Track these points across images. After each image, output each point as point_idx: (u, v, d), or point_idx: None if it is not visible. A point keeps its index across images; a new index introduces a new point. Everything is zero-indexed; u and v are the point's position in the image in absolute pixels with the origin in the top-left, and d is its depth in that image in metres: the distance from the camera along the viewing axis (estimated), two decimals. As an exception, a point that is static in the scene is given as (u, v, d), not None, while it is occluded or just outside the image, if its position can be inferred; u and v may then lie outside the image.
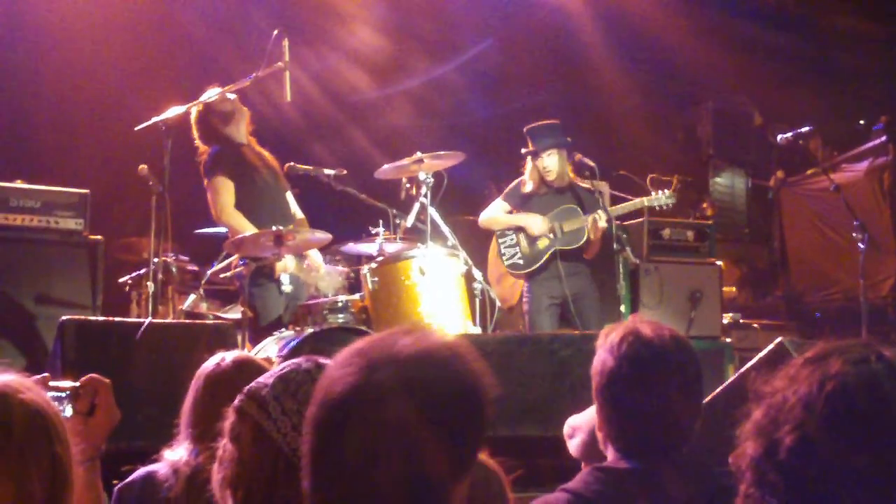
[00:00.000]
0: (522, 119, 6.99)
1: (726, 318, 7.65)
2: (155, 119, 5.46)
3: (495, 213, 6.69)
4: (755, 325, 8.31)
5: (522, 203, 6.61)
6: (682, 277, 7.19)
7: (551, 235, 6.46)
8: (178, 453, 2.57)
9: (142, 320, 4.88)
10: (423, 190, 5.99)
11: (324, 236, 5.53)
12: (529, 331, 6.40)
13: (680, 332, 2.31)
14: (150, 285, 5.44)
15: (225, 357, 2.68)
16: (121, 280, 6.75)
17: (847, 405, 1.37)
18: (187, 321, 6.03)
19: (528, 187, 6.58)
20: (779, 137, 6.74)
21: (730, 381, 4.16)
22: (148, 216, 5.48)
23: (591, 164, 6.37)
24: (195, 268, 6.98)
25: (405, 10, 9.35)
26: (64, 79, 8.02)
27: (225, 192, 5.70)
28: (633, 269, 6.89)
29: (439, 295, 5.65)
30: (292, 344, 4.99)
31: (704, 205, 9.77)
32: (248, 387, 1.78)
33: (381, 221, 6.07)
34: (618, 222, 6.48)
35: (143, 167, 5.52)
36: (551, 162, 6.49)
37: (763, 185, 10.39)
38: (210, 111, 5.81)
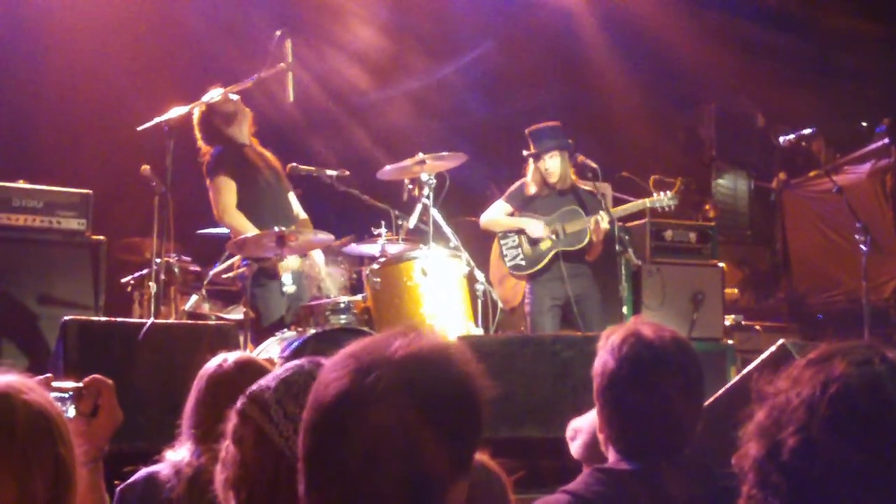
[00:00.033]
0: (524, 120, 6.99)
1: (728, 320, 7.64)
2: (157, 119, 5.46)
3: (496, 214, 6.69)
4: (757, 327, 8.31)
5: (524, 205, 6.62)
6: (684, 279, 7.19)
7: (553, 237, 6.46)
8: (180, 454, 2.57)
9: (144, 321, 4.88)
10: (426, 191, 5.99)
11: (326, 237, 5.54)
12: (531, 332, 6.40)
13: (682, 333, 2.31)
14: (153, 286, 5.45)
15: (227, 358, 2.68)
16: (123, 280, 6.75)
17: (850, 407, 1.37)
18: (189, 322, 6.04)
19: (531, 189, 6.59)
20: (781, 139, 6.73)
21: (732, 382, 4.16)
22: (150, 216, 5.49)
23: (594, 165, 6.37)
24: (197, 268, 6.98)
25: (406, 11, 9.35)
26: (66, 79, 8.03)
27: (227, 192, 5.70)
28: (635, 270, 6.90)
29: (441, 296, 5.65)
30: (294, 345, 4.99)
31: (707, 206, 9.77)
32: (250, 389, 1.77)
33: (383, 222, 6.07)
34: (620, 224, 6.48)
35: (145, 167, 5.53)
36: (553, 164, 6.49)
37: (765, 187, 10.39)
38: (212, 112, 5.81)
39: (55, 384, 2.10)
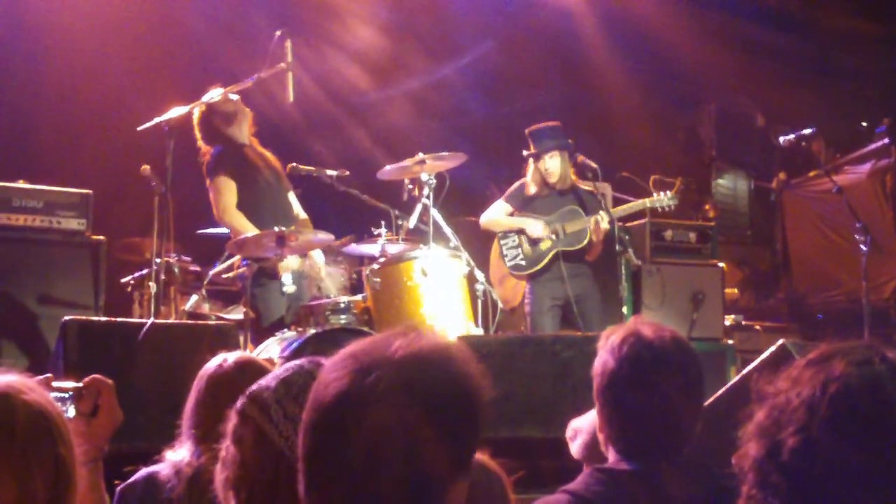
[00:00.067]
0: (524, 120, 6.99)
1: (728, 320, 7.64)
2: (157, 119, 5.46)
3: (496, 214, 6.69)
4: (757, 327, 8.31)
5: (524, 205, 6.62)
6: (684, 279, 7.19)
7: (553, 237, 6.46)
8: (180, 454, 2.57)
9: (144, 321, 4.88)
10: (426, 191, 5.99)
11: (326, 237, 5.54)
12: (531, 332, 6.40)
13: (682, 333, 2.31)
14: (153, 286, 5.45)
15: (227, 358, 2.68)
16: (123, 280, 6.76)
17: (850, 407, 1.37)
18: (189, 322, 6.04)
19: (531, 190, 6.59)
20: (781, 139, 6.72)
21: (732, 382, 4.16)
22: (150, 216, 5.48)
23: (594, 165, 6.37)
24: (197, 268, 6.98)
25: (406, 11, 9.36)
26: (66, 79, 8.03)
27: (227, 192, 5.70)
28: (635, 270, 6.89)
29: (441, 296, 5.65)
30: (294, 345, 4.99)
31: (707, 206, 9.77)
32: (250, 390, 1.77)
33: (383, 222, 6.07)
34: (620, 224, 6.48)
35: (145, 167, 5.53)
36: (553, 164, 6.49)
37: (765, 187, 10.39)
38: (212, 112, 5.81)
39: (55, 384, 2.11)
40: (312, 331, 5.15)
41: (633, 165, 8.50)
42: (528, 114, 7.91)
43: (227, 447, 1.77)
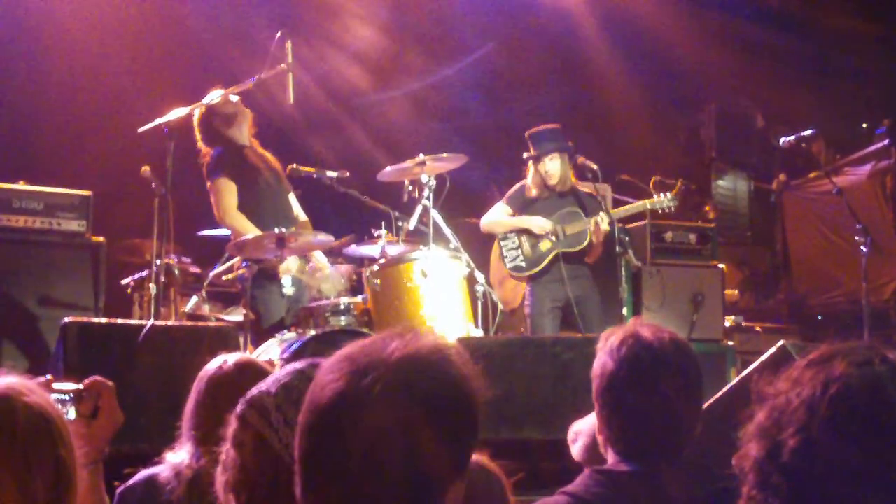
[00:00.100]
0: (525, 121, 6.99)
1: (728, 321, 7.64)
2: (158, 121, 5.47)
3: (497, 216, 6.69)
4: (757, 329, 8.31)
5: (524, 206, 6.62)
6: (684, 280, 7.19)
7: (554, 238, 6.46)
8: (179, 456, 2.56)
9: (144, 322, 4.88)
10: (426, 192, 5.99)
11: (326, 238, 5.54)
12: (531, 334, 6.40)
13: (682, 335, 2.31)
14: (153, 287, 5.45)
15: (227, 359, 2.67)
16: (123, 282, 6.76)
17: (850, 407, 1.37)
18: (189, 323, 6.03)
19: (532, 192, 6.59)
20: (781, 140, 6.73)
21: (732, 384, 4.16)
22: (150, 218, 5.49)
23: (594, 166, 6.37)
24: (197, 270, 6.98)
25: (407, 12, 9.36)
26: (67, 80, 8.04)
27: (227, 193, 5.70)
28: (635, 271, 6.89)
29: (441, 297, 5.65)
30: (294, 346, 4.99)
31: (707, 208, 9.77)
32: (250, 394, 1.77)
33: (383, 224, 6.06)
34: (620, 225, 6.48)
35: (145, 169, 5.53)
36: (553, 166, 6.49)
37: (765, 188, 10.38)
38: (212, 113, 5.81)
39: (56, 386, 2.11)
40: (312, 332, 5.15)
41: (633, 166, 8.50)
42: (528, 115, 7.92)
43: (227, 451, 1.77)
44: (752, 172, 10.64)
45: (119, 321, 5.28)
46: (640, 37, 9.88)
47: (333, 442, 1.32)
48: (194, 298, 6.54)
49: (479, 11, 9.58)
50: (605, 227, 6.29)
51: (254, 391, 1.78)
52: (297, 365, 1.79)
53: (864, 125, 10.14)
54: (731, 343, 7.31)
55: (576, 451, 2.61)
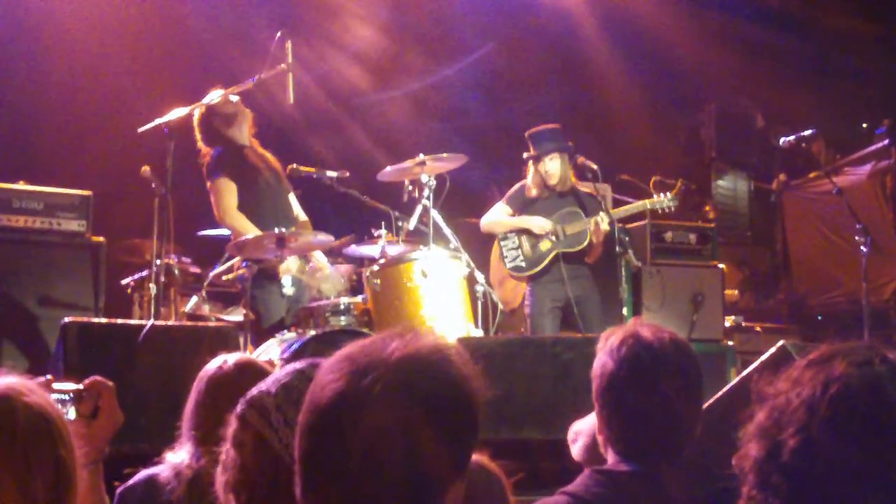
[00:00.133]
0: (525, 121, 7.00)
1: (728, 321, 7.64)
2: (158, 121, 5.47)
3: (497, 216, 6.70)
4: (757, 329, 8.30)
5: (525, 207, 6.62)
6: (684, 280, 7.19)
7: (554, 238, 6.47)
8: (179, 456, 2.56)
9: (144, 322, 4.88)
10: (426, 192, 5.99)
11: (326, 238, 5.54)
12: (531, 334, 6.40)
13: (682, 335, 2.31)
14: (153, 287, 5.45)
15: (227, 359, 2.67)
16: (123, 282, 6.76)
17: (850, 407, 1.37)
18: (189, 323, 6.03)
19: (532, 192, 6.59)
20: (781, 140, 6.72)
21: (732, 384, 4.16)
22: (150, 218, 5.49)
23: (594, 166, 6.37)
24: (197, 270, 6.98)
25: (407, 12, 9.36)
26: (67, 80, 8.04)
27: (228, 193, 5.71)
28: (635, 271, 6.89)
29: (441, 297, 5.65)
30: (294, 346, 4.99)
31: (707, 208, 9.77)
32: (250, 394, 1.77)
33: (383, 224, 6.07)
34: (620, 225, 6.48)
35: (145, 169, 5.53)
36: (553, 166, 6.50)
37: (765, 188, 10.38)
38: (212, 113, 5.82)
39: (56, 386, 2.11)
40: (312, 332, 5.15)
41: (634, 166, 8.50)
42: (528, 115, 7.92)
43: (227, 451, 1.77)
44: (752, 172, 10.64)
45: (119, 321, 5.28)
46: (640, 37, 9.88)
47: (333, 442, 1.32)
48: (194, 298, 6.54)
49: (479, 11, 9.58)
50: (605, 226, 6.29)
51: (254, 391, 1.77)
52: (297, 365, 1.79)
53: (864, 125, 10.14)
54: (731, 343, 7.31)
55: (576, 451, 2.61)
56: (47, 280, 5.81)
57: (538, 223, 6.48)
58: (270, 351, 5.15)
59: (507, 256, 6.58)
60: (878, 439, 1.35)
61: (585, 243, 6.43)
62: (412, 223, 6.09)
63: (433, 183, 6.02)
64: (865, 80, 10.31)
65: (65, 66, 8.00)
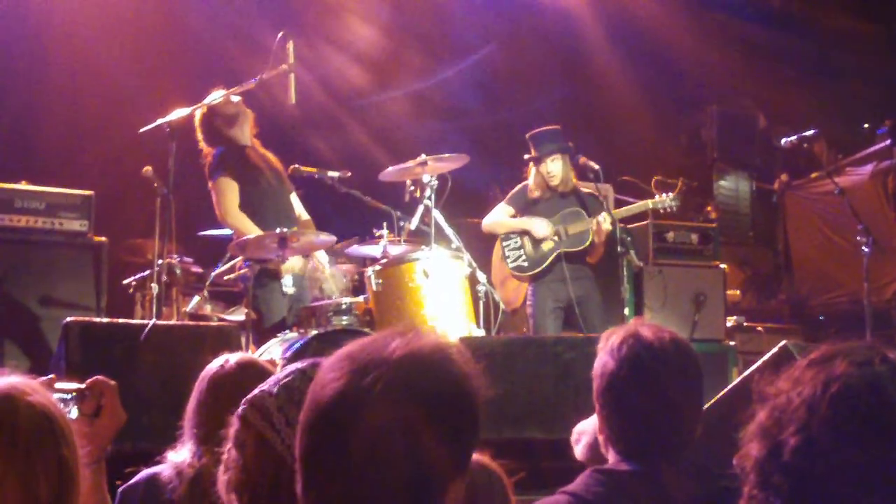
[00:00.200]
0: (526, 121, 7.00)
1: (730, 321, 7.64)
2: (160, 121, 5.47)
3: (499, 217, 6.70)
4: (759, 329, 8.30)
5: (526, 207, 6.63)
6: (685, 280, 7.19)
7: (556, 238, 6.47)
8: (181, 455, 2.57)
9: (146, 322, 4.88)
10: (427, 192, 5.99)
11: (328, 238, 5.54)
12: (534, 334, 6.39)
13: (683, 335, 2.32)
14: (155, 287, 5.45)
15: (229, 359, 2.68)
16: (125, 282, 6.76)
17: (851, 406, 1.37)
18: (191, 323, 6.04)
19: (534, 193, 6.60)
20: (783, 141, 6.73)
21: (733, 384, 4.17)
22: (152, 218, 5.49)
23: (596, 166, 6.38)
24: (199, 269, 6.99)
25: (409, 12, 9.36)
26: (69, 80, 8.04)
27: (229, 193, 5.71)
28: (636, 271, 6.89)
29: (443, 297, 5.65)
30: (296, 346, 4.99)
31: (708, 208, 9.77)
32: (251, 395, 1.77)
33: (385, 223, 6.07)
34: (622, 225, 6.49)
35: (147, 169, 5.53)
36: (555, 167, 6.50)
37: (767, 189, 10.38)
38: (214, 113, 5.82)
39: (58, 385, 2.11)
40: (314, 332, 5.15)
41: (635, 167, 8.50)
42: (529, 115, 7.92)
43: (228, 451, 1.78)
44: (754, 173, 10.64)
45: (121, 321, 5.28)
46: (641, 37, 9.88)
47: (334, 440, 1.33)
48: (196, 298, 6.54)
49: (479, 11, 9.59)
50: (606, 226, 6.29)
51: (255, 392, 1.78)
52: (299, 365, 1.79)
53: (866, 125, 10.14)
54: (732, 343, 7.31)
55: (579, 450, 2.62)
56: (49, 280, 5.81)
57: (538, 227, 6.48)
58: (272, 350, 5.16)
59: (509, 256, 6.58)
60: (878, 438, 1.35)
61: (587, 243, 6.43)
62: (414, 223, 6.09)
63: (435, 183, 6.02)
64: (867, 81, 10.30)
65: (67, 67, 8.01)
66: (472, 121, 9.64)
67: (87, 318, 5.14)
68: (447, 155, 6.05)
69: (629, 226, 7.08)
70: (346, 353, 1.39)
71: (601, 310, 6.49)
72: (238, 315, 6.57)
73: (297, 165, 6.03)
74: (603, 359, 2.23)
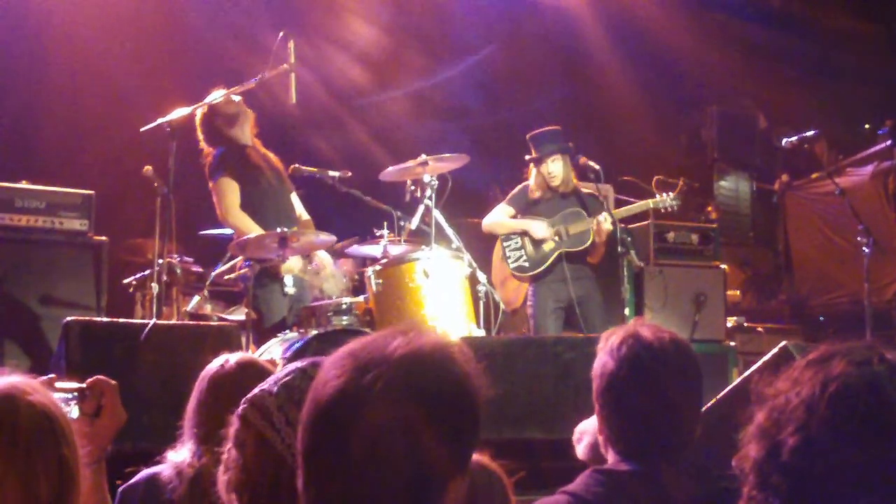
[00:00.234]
0: (527, 122, 7.00)
1: (730, 322, 7.64)
2: (160, 120, 5.47)
3: (499, 217, 6.70)
4: (759, 329, 8.30)
5: (527, 208, 6.63)
6: (686, 281, 7.19)
7: (556, 238, 6.47)
8: (181, 455, 2.57)
9: (146, 321, 4.88)
10: (428, 192, 6.00)
11: (328, 238, 5.54)
12: (535, 334, 6.40)
13: (684, 335, 2.32)
14: (155, 286, 5.45)
15: (229, 359, 2.68)
16: (125, 281, 6.76)
17: (849, 406, 1.37)
18: (192, 322, 6.03)
19: (535, 194, 6.60)
20: (783, 141, 6.73)
21: (734, 384, 4.16)
22: (153, 217, 5.49)
23: (596, 167, 6.38)
24: (199, 269, 6.99)
25: (409, 12, 9.37)
26: (69, 79, 8.04)
27: (230, 193, 5.71)
28: (637, 272, 6.89)
29: (443, 297, 5.65)
30: (296, 346, 4.99)
31: (709, 208, 9.77)
32: (252, 394, 1.77)
33: (385, 223, 6.07)
34: (622, 225, 6.49)
35: (148, 168, 5.54)
36: (556, 167, 6.51)
37: (767, 189, 10.38)
38: (215, 113, 5.82)
39: (58, 385, 2.11)
40: (314, 332, 5.16)
41: (635, 168, 8.49)
42: (529, 115, 7.92)
43: (228, 450, 1.78)
44: (755, 173, 10.64)
45: (121, 320, 5.29)
46: (642, 37, 9.88)
47: (334, 438, 1.33)
48: (196, 298, 6.54)
49: (479, 11, 9.59)
50: (607, 226, 6.30)
51: (255, 391, 1.78)
52: (299, 364, 1.79)
53: (867, 126, 10.13)
54: (732, 343, 7.31)
55: (580, 450, 2.62)
56: (49, 279, 5.81)
57: (537, 229, 6.49)
58: (272, 350, 5.16)
59: (510, 257, 6.58)
60: (876, 438, 1.35)
61: (588, 243, 6.43)
62: (414, 223, 6.09)
63: (435, 183, 6.02)
64: (867, 81, 10.30)
65: (67, 66, 8.01)
66: (473, 121, 9.64)
67: (87, 318, 5.13)
68: (447, 155, 6.05)
69: (630, 226, 7.08)
70: (348, 352, 1.39)
71: (602, 310, 6.50)
72: (238, 315, 6.57)
73: (297, 165, 6.03)
74: (603, 359, 2.23)
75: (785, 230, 10.04)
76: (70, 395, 2.14)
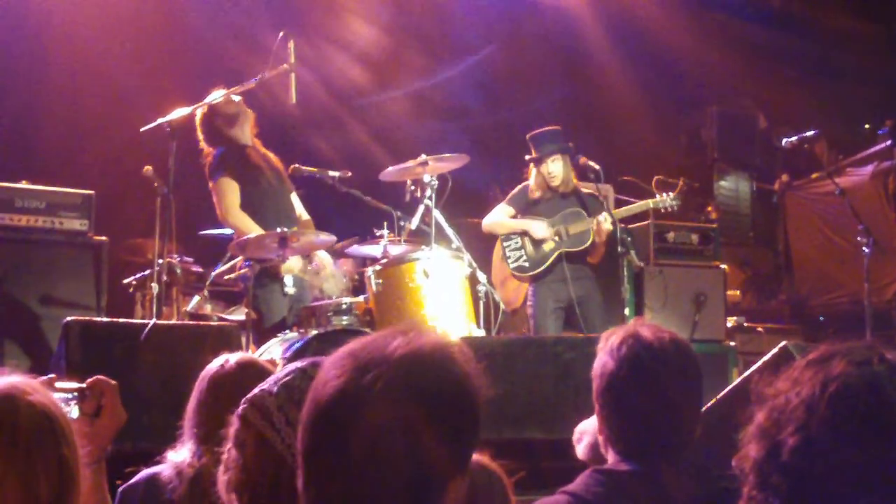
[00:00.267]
0: (527, 122, 7.00)
1: (730, 322, 7.64)
2: (160, 120, 5.47)
3: (499, 217, 6.71)
4: (759, 329, 8.30)
5: (527, 208, 6.64)
6: (686, 281, 7.19)
7: (557, 238, 6.48)
8: (181, 455, 2.57)
9: (146, 321, 4.88)
10: (428, 192, 6.00)
11: (328, 238, 5.54)
12: (535, 334, 6.40)
13: (684, 335, 2.32)
14: (155, 286, 5.45)
15: (229, 359, 2.68)
16: (125, 281, 6.76)
17: (849, 406, 1.37)
18: (192, 322, 6.03)
19: (535, 194, 6.60)
20: (784, 141, 6.73)
21: (734, 384, 4.16)
22: (153, 217, 5.49)
23: (596, 167, 6.38)
24: (199, 269, 6.99)
25: (409, 12, 9.37)
26: (69, 79, 8.04)
27: (230, 193, 5.71)
28: (637, 272, 6.89)
29: (443, 297, 5.65)
30: (296, 346, 4.99)
31: (709, 208, 9.77)
32: (252, 394, 1.77)
33: (385, 223, 6.07)
34: (622, 225, 6.49)
35: (148, 168, 5.54)
36: (556, 167, 6.51)
37: (767, 189, 10.38)
38: (215, 113, 5.82)
39: (58, 385, 2.11)
40: (314, 332, 5.16)
41: (635, 168, 8.49)
42: (529, 115, 7.92)
43: (228, 450, 1.78)
44: (755, 173, 10.64)
45: (121, 320, 5.28)
46: (642, 37, 9.88)
47: (334, 438, 1.33)
48: (196, 298, 6.54)
49: (479, 11, 9.59)
50: (607, 226, 6.30)
51: (255, 391, 1.78)
52: (299, 364, 1.79)
53: (867, 126, 10.13)
54: (732, 343, 7.31)
55: (581, 450, 2.62)
56: (49, 279, 5.81)
57: (536, 229, 6.49)
58: (272, 350, 5.16)
59: (510, 257, 6.58)
60: (876, 438, 1.35)
61: (588, 243, 6.44)
62: (414, 223, 6.09)
63: (435, 183, 6.02)
64: (867, 81, 10.30)
65: (67, 66, 8.01)
66: (473, 121, 9.64)
67: (87, 318, 5.13)
68: (447, 155, 6.05)
69: (630, 226, 7.08)
70: (348, 351, 1.39)
71: (602, 310, 6.50)
72: (238, 315, 6.57)
73: (297, 165, 6.03)
74: (602, 359, 2.23)
75: (785, 230, 10.04)
76: (70, 395, 2.14)
